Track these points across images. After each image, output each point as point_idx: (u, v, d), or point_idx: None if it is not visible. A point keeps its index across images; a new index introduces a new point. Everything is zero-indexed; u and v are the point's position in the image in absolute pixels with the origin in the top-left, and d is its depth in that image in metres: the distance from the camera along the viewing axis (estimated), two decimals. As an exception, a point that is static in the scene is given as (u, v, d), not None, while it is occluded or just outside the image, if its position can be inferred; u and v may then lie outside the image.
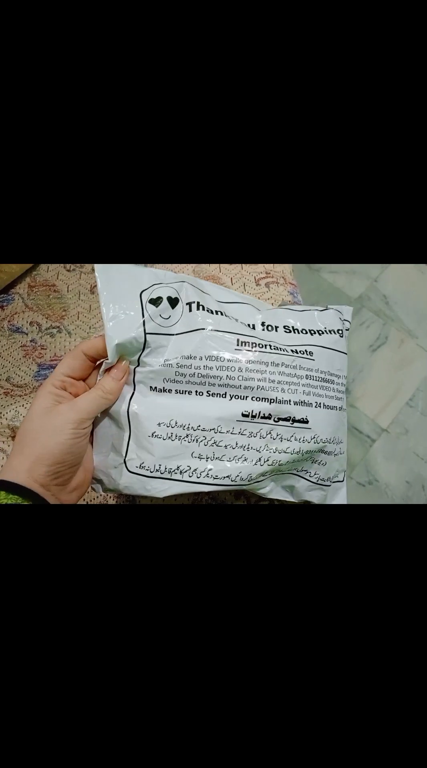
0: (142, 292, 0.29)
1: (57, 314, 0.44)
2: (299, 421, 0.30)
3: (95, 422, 0.29)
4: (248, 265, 0.48)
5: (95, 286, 0.46)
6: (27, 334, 0.43)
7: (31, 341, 0.42)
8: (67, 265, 0.47)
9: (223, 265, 0.48)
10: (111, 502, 0.36)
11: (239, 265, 0.48)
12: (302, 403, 0.31)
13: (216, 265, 0.48)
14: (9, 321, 0.44)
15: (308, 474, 0.32)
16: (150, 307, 0.29)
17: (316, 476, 0.32)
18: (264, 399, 0.30)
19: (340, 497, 0.35)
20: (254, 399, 0.30)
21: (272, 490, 0.32)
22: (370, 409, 0.92)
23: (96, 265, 0.29)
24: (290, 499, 0.33)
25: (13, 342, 0.42)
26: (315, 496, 0.33)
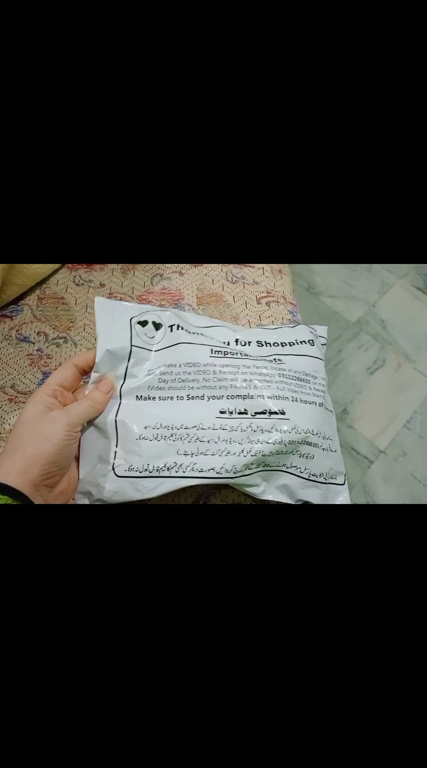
0: (131, 318, 0.35)
1: (64, 325, 0.46)
2: (275, 412, 0.32)
3: (82, 437, 0.31)
4: (249, 284, 0.50)
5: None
6: (34, 344, 0.44)
7: (37, 350, 0.44)
8: (76, 279, 0.49)
9: (225, 284, 0.50)
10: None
11: (241, 284, 0.50)
12: (277, 397, 0.33)
13: (219, 284, 0.50)
14: (17, 330, 0.45)
15: (299, 470, 0.33)
16: (137, 327, 0.35)
17: (306, 471, 0.33)
18: (238, 396, 0.33)
19: (341, 502, 0.34)
20: (228, 397, 0.32)
21: (266, 491, 0.33)
22: (368, 430, 0.93)
23: (96, 299, 0.35)
24: (286, 500, 0.33)
25: (20, 350, 0.44)
26: (311, 495, 0.33)
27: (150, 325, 0.35)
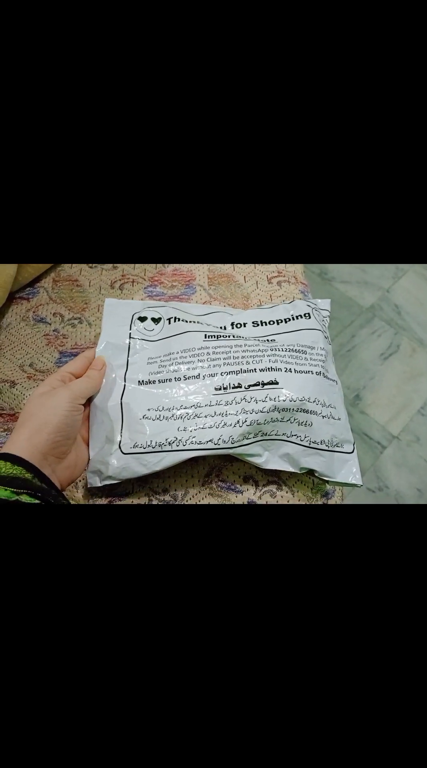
0: (134, 313, 0.40)
1: (79, 306, 0.47)
2: (268, 383, 0.34)
3: (91, 422, 0.34)
4: (260, 264, 0.50)
5: (115, 281, 0.49)
6: (50, 324, 0.45)
7: (53, 330, 0.45)
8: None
9: (236, 264, 0.50)
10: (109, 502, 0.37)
11: (252, 264, 0.50)
12: (269, 369, 0.34)
13: (230, 264, 0.50)
14: (34, 312, 0.46)
15: (299, 438, 0.34)
16: (137, 322, 0.39)
17: (307, 439, 0.34)
18: (231, 372, 0.34)
19: (348, 471, 0.35)
20: (222, 374, 0.35)
21: (269, 460, 0.34)
22: (381, 416, 0.92)
23: (106, 301, 0.40)
24: (290, 468, 0.34)
25: (37, 331, 0.45)
26: (314, 463, 0.34)
27: (149, 321, 0.39)
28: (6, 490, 0.25)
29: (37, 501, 0.25)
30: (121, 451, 0.33)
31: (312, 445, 0.34)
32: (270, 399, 0.33)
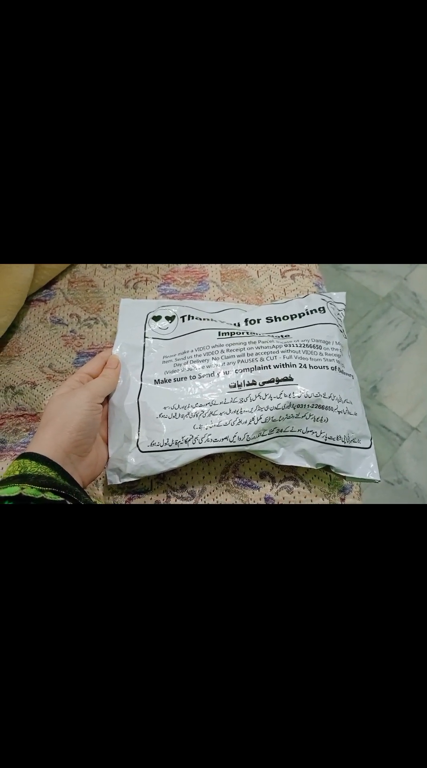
0: (148, 313, 0.40)
1: (94, 307, 0.47)
2: (283, 380, 0.34)
3: (109, 421, 0.35)
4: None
5: (129, 280, 0.49)
6: (67, 325, 0.46)
7: (70, 331, 0.46)
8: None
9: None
10: (121, 501, 0.37)
11: (265, 259, 0.50)
12: (284, 365, 0.34)
13: (243, 260, 0.50)
14: (51, 313, 0.47)
15: (315, 434, 0.34)
16: (151, 322, 0.40)
17: (323, 435, 0.34)
18: (246, 369, 0.35)
19: (365, 466, 0.34)
20: (237, 372, 0.35)
21: (284, 456, 0.34)
22: (399, 407, 0.90)
23: (122, 301, 0.41)
24: (306, 464, 0.34)
25: (55, 332, 0.46)
26: (330, 458, 0.34)
27: (163, 320, 0.40)
28: (32, 488, 0.26)
29: (60, 498, 0.26)
30: (139, 449, 0.34)
31: (328, 440, 0.34)
32: (285, 396, 0.33)
